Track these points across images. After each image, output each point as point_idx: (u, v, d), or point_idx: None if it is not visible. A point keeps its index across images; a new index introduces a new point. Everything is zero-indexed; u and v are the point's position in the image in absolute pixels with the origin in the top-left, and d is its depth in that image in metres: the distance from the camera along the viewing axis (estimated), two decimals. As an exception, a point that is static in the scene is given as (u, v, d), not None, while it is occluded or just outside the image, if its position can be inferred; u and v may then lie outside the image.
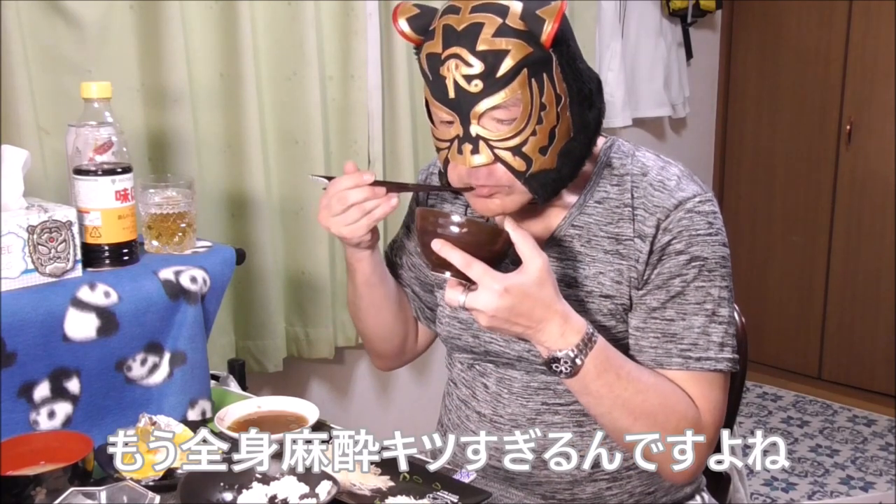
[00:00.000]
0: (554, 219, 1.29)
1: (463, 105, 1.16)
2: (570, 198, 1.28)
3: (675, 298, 1.22)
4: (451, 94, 1.15)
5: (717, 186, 3.87)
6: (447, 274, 1.13)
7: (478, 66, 1.13)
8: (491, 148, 1.17)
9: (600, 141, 1.30)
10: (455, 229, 1.12)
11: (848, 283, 3.55)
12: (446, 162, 1.23)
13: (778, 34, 3.60)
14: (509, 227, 1.13)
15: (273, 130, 2.13)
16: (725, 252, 1.24)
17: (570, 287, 1.27)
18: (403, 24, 1.20)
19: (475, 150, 1.17)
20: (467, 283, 1.12)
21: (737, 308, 1.53)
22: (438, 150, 1.23)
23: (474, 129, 1.16)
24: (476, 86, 1.14)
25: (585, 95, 1.19)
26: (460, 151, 1.18)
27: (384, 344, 1.49)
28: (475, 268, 1.09)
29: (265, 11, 2.06)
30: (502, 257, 1.15)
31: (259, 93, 2.04)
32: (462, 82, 1.14)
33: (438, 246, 1.10)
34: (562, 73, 1.16)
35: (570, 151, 1.20)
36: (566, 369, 1.14)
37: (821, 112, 3.53)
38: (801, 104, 3.58)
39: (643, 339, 1.24)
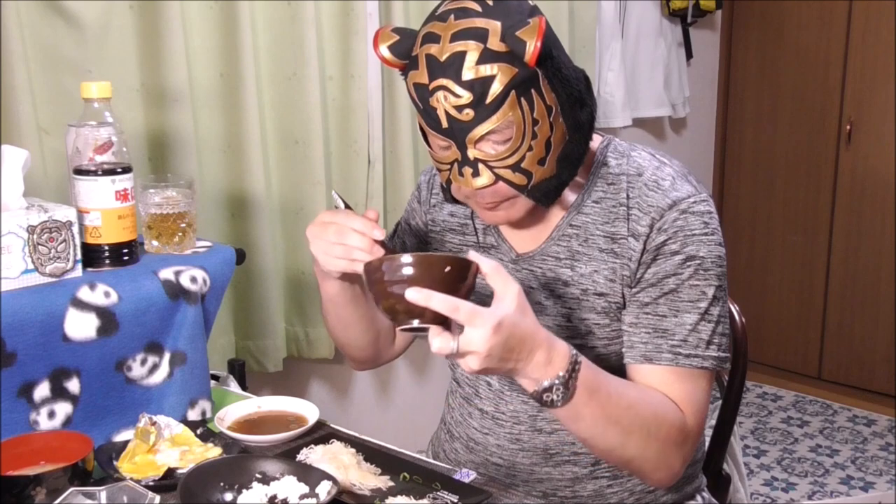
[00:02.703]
0: (553, 218, 1.30)
1: (457, 133, 1.16)
2: (568, 197, 1.29)
3: (668, 295, 1.22)
4: (444, 124, 1.16)
5: (717, 186, 3.87)
6: (415, 322, 1.01)
7: (466, 96, 1.12)
8: (490, 168, 1.17)
9: (597, 140, 1.31)
10: (420, 271, 0.99)
11: (848, 283, 3.55)
12: (448, 181, 1.22)
13: (778, 34, 3.60)
14: (475, 256, 1.04)
15: (273, 130, 2.13)
16: (721, 251, 1.24)
17: (567, 286, 1.27)
18: (385, 52, 1.19)
19: (476, 173, 1.18)
20: (443, 327, 1.02)
21: (737, 308, 1.53)
22: (439, 170, 1.23)
23: (472, 153, 1.17)
24: (467, 114, 1.14)
25: (576, 98, 1.19)
26: (461, 174, 1.19)
27: (356, 352, 1.47)
28: (463, 309, 0.99)
29: (265, 11, 2.06)
30: (472, 291, 1.05)
31: (259, 93, 2.04)
32: (453, 112, 1.14)
33: (417, 295, 0.98)
34: (549, 85, 1.16)
35: (568, 155, 1.20)
36: (559, 396, 1.07)
37: (821, 112, 3.53)
38: (801, 104, 3.58)
39: (635, 335, 1.24)
